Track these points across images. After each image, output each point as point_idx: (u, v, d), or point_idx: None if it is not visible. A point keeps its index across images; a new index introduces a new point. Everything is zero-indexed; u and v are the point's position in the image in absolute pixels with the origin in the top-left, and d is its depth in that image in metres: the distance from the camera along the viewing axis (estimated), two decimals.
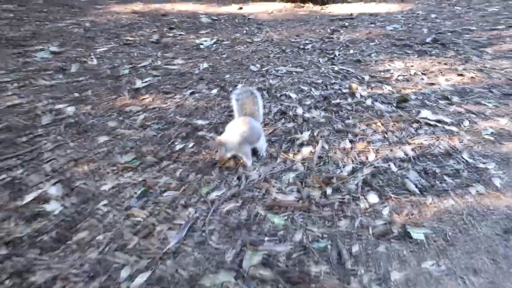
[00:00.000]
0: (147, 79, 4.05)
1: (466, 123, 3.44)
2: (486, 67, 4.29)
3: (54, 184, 2.84)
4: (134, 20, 5.45)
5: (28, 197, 2.72)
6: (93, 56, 4.45)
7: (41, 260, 2.32)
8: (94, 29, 5.17)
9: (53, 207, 2.66)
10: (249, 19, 5.49)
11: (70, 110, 3.61)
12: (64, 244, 2.42)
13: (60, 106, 3.67)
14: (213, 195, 2.75)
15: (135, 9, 5.78)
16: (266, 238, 2.44)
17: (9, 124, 3.42)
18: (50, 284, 2.19)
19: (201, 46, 4.73)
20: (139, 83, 3.98)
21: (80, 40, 4.88)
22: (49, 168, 2.98)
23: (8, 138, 3.27)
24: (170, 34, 5.05)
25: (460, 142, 3.23)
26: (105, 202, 2.71)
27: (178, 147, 3.21)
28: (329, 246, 2.40)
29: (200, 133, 3.34)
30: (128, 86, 3.94)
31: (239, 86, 3.24)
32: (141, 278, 2.22)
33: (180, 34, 5.06)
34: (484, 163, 3.01)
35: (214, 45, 4.77)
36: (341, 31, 5.15)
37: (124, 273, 2.25)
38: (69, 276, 2.24)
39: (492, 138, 3.27)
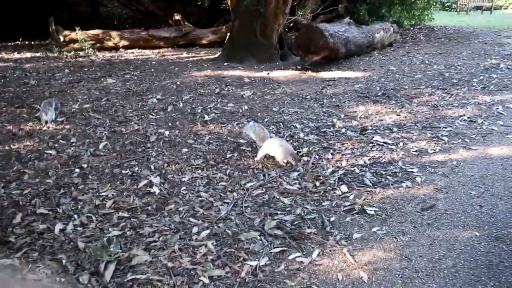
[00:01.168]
0: (211, 115, 4.06)
1: (401, 144, 3.37)
2: (413, 110, 4.21)
3: (156, 176, 2.84)
4: (205, 80, 5.47)
5: (141, 184, 2.73)
6: (180, 102, 4.45)
7: (147, 221, 2.32)
8: (182, 85, 5.20)
9: (155, 189, 2.66)
10: (272, 80, 5.47)
11: (166, 132, 3.62)
12: (160, 212, 2.42)
13: (161, 130, 3.68)
14: (248, 185, 2.75)
15: (206, 74, 5.78)
16: (279, 212, 2.42)
17: (132, 141, 3.45)
18: (152, 235, 2.19)
19: (244, 96, 4.72)
20: (207, 117, 3.99)
21: (174, 92, 4.90)
22: (153, 167, 2.99)
23: (131, 149, 3.29)
24: (226, 89, 5.04)
25: (397, 156, 3.17)
26: (184, 188, 2.72)
27: (228, 156, 3.19)
28: (316, 217, 2.37)
29: (241, 147, 3.32)
30: (200, 119, 3.95)
31: (250, 123, 3.24)
32: (204, 233, 2.21)
33: (232, 89, 5.05)
34: (411, 168, 2.96)
35: (251, 95, 4.75)
36: (328, 88, 5.10)
37: (194, 230, 2.25)
38: (163, 231, 2.23)
39: (416, 153, 3.20)
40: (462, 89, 5.10)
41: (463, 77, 5.70)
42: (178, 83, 5.34)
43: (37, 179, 2.78)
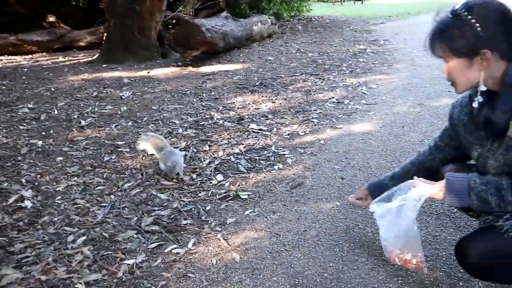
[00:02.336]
0: (88, 119, 3.93)
1: (275, 129, 3.56)
2: (288, 97, 4.45)
3: (28, 189, 2.70)
4: (82, 84, 5.24)
5: (11, 200, 2.58)
6: (55, 109, 4.24)
7: (18, 237, 2.21)
8: (57, 92, 4.94)
9: (27, 203, 2.54)
10: (152, 78, 5.42)
11: (39, 142, 3.44)
12: (32, 226, 2.32)
13: (33, 141, 3.49)
14: (126, 186, 2.72)
15: (84, 77, 5.54)
16: (156, 208, 2.45)
17: (0, 155, 3.22)
18: (23, 251, 2.10)
19: (123, 97, 4.62)
20: (83, 122, 3.85)
21: (48, 99, 4.65)
22: (24, 180, 2.83)
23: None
24: (104, 91, 4.88)
25: (270, 141, 3.34)
26: (59, 197, 2.61)
27: (105, 159, 3.13)
28: (193, 208, 2.44)
29: (119, 149, 3.27)
30: (76, 125, 3.80)
31: (143, 135, 3.08)
32: (80, 240, 2.17)
33: (110, 91, 4.91)
34: (283, 151, 3.14)
35: (131, 96, 4.67)
36: (207, 82, 5.18)
37: (70, 238, 2.19)
38: (35, 244, 2.14)
39: (288, 137, 3.41)
40: (333, 73, 5.51)
41: (334, 63, 6.15)
42: (52, 89, 5.07)
43: None
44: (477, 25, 1.26)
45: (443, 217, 2.19)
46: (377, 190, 1.85)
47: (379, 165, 2.82)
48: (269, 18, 8.59)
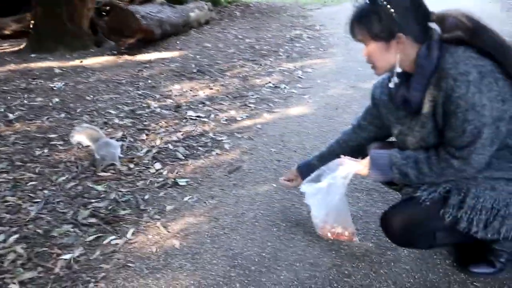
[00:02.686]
0: (17, 113, 3.74)
1: (213, 116, 3.58)
2: (225, 83, 4.47)
3: None
4: (9, 75, 4.96)
5: None
6: None
7: None
8: None
9: None
10: (86, 68, 5.22)
11: None
12: None
13: None
14: (60, 179, 2.64)
15: (10, 68, 5.24)
16: (93, 200, 2.41)
17: None
18: None
19: (54, 88, 4.43)
20: (11, 116, 3.67)
21: None
22: None
23: None
24: (34, 83, 4.66)
25: (208, 127, 3.36)
26: None
27: (37, 153, 3.01)
28: (131, 198, 2.42)
29: (52, 142, 3.15)
30: (4, 119, 3.61)
31: (77, 127, 2.97)
32: (12, 238, 2.09)
33: (40, 82, 4.68)
34: (221, 137, 3.17)
35: (63, 87, 4.49)
36: (144, 70, 5.08)
37: (1, 238, 2.11)
38: None
39: (226, 123, 3.45)
40: (270, 59, 5.57)
41: (271, 48, 6.21)
42: None
43: None
44: (392, 10, 1.34)
45: (373, 193, 2.32)
46: (307, 170, 1.93)
47: (314, 146, 2.93)
48: (206, 4, 8.49)
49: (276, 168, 2.67)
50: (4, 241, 2.07)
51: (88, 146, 2.92)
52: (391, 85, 1.48)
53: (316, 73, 4.78)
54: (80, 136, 2.88)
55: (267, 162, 2.75)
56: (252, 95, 4.08)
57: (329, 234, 1.78)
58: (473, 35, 1.32)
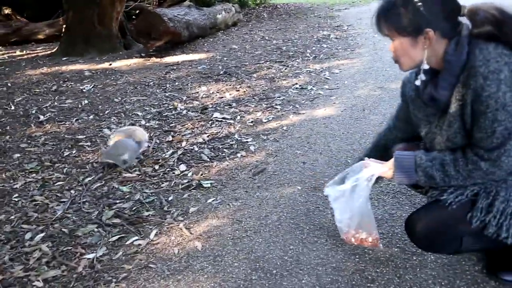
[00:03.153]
0: (47, 114, 3.84)
1: (238, 117, 3.57)
2: (252, 85, 4.46)
3: None
4: (41, 78, 5.10)
5: None
6: (12, 104, 4.12)
7: None
8: (13, 87, 4.80)
9: None
10: (115, 70, 5.31)
11: None
12: None
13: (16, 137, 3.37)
14: (86, 180, 2.68)
15: (42, 71, 5.38)
16: (118, 201, 2.43)
17: None
18: None
19: (84, 90, 4.52)
20: (42, 118, 3.76)
21: (4, 95, 4.50)
22: None
23: None
24: (64, 85, 4.77)
25: (234, 129, 3.35)
26: (16, 195, 2.56)
27: (65, 154, 3.07)
28: (155, 199, 2.43)
29: (80, 143, 3.21)
30: (35, 120, 3.71)
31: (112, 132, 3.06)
32: (38, 237, 2.13)
33: (70, 84, 4.80)
34: (246, 139, 3.15)
35: (92, 89, 4.58)
36: (171, 72, 5.13)
37: (27, 236, 2.15)
38: None
39: (251, 124, 3.43)
40: (297, 60, 5.53)
41: (298, 49, 6.17)
42: (9, 84, 4.91)
43: None
44: (420, 4, 1.29)
45: (399, 195, 2.25)
46: None
47: (340, 148, 2.87)
48: (233, 6, 8.53)
49: (301, 170, 2.63)
50: (31, 239, 2.11)
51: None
52: (417, 82, 1.42)
53: (343, 74, 4.71)
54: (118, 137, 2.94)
55: (292, 164, 2.71)
56: (279, 97, 4.05)
57: (352, 240, 1.73)
58: (505, 30, 1.25)
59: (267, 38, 7.16)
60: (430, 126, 1.48)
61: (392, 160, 1.47)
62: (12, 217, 2.32)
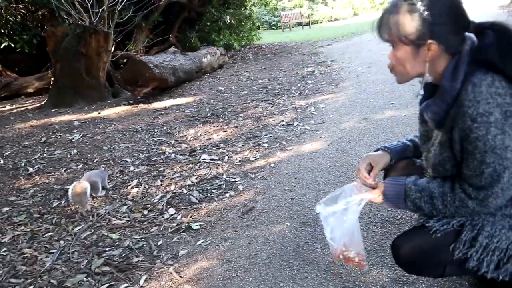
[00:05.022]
0: (36, 166, 3.85)
1: (226, 158, 3.60)
2: (239, 125, 4.53)
3: None
4: (30, 130, 5.15)
5: None
6: (1, 158, 4.13)
7: None
8: (3, 141, 4.83)
9: None
10: (103, 119, 5.37)
11: None
12: None
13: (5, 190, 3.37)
14: (76, 229, 2.67)
15: (32, 124, 5.44)
16: (107, 248, 2.42)
17: None
18: None
19: (73, 140, 4.56)
20: (31, 170, 3.77)
21: None
22: None
23: None
24: (53, 136, 4.81)
25: (222, 169, 3.37)
26: (5, 249, 2.53)
27: (54, 204, 3.07)
28: (145, 245, 2.42)
29: (68, 193, 3.20)
30: (24, 173, 3.72)
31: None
32: None
33: (59, 135, 4.84)
34: (234, 178, 3.18)
35: (81, 138, 4.61)
36: (159, 117, 5.21)
37: None
38: None
39: (239, 164, 3.45)
40: (283, 97, 5.64)
41: (283, 87, 6.31)
42: None
43: None
44: (427, 13, 1.22)
45: (388, 225, 2.27)
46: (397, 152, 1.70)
47: (328, 182, 2.90)
48: (218, 49, 8.75)
49: (290, 206, 2.64)
50: None
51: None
52: (418, 97, 1.41)
53: (328, 108, 4.80)
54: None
55: (280, 201, 2.73)
56: (266, 135, 4.11)
57: (341, 257, 1.73)
58: (510, 65, 1.19)
59: (252, 78, 7.31)
60: (427, 144, 1.45)
61: (382, 187, 1.50)
62: (0, 271, 2.29)
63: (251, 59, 10.26)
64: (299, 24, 22.78)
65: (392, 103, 4.52)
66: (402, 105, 4.41)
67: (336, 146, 3.57)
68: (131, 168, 3.61)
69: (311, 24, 22.75)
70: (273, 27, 24.14)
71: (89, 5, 6.47)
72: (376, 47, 8.54)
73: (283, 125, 4.40)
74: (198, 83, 7.25)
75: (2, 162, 4.08)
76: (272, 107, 5.21)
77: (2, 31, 8.69)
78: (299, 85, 6.35)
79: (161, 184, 3.21)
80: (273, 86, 6.42)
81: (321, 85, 6.16)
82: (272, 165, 3.36)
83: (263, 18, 22.94)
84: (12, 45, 8.67)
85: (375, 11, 27.15)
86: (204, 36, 12.32)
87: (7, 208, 3.07)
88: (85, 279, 2.14)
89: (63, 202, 3.10)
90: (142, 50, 10.60)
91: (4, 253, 2.47)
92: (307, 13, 23.78)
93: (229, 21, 12.53)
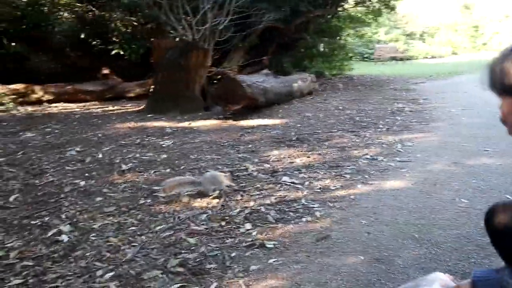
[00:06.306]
0: (129, 164, 4.14)
1: (307, 183, 3.61)
2: (323, 152, 4.53)
3: (66, 225, 2.87)
4: (127, 131, 5.57)
5: (50, 233, 2.77)
6: (100, 153, 4.51)
7: (51, 268, 2.35)
8: (103, 137, 5.27)
9: (63, 237, 2.70)
10: (194, 129, 5.67)
11: (82, 183, 3.66)
12: (66, 259, 2.46)
13: (77, 181, 3.72)
14: (157, 228, 2.83)
15: (129, 125, 5.88)
16: (183, 251, 2.53)
17: (45, 192, 3.45)
18: (54, 281, 2.24)
19: (164, 145, 4.84)
20: (124, 167, 4.07)
21: (94, 143, 4.96)
22: (64, 216, 3.02)
23: (43, 200, 3.29)
24: (147, 139, 5.15)
25: (301, 194, 3.39)
26: (94, 234, 2.76)
27: (141, 202, 3.27)
28: (218, 254, 2.50)
29: (155, 193, 3.41)
30: (118, 169, 4.01)
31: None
32: (108, 275, 2.27)
33: (152, 139, 5.18)
34: (313, 204, 3.18)
35: (171, 145, 4.90)
36: (246, 135, 5.37)
37: (99, 273, 2.30)
38: (66, 276, 2.27)
39: (319, 191, 3.45)
40: (369, 131, 5.56)
41: (371, 120, 6.22)
42: (99, 135, 5.41)
43: None
44: None
45: None
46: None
47: (407, 222, 2.81)
48: (310, 76, 8.86)
49: (365, 240, 2.60)
50: (101, 276, 2.26)
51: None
52: None
53: (416, 147, 4.65)
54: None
55: (356, 234, 2.69)
56: (348, 166, 4.07)
57: None
58: None
59: (341, 107, 7.30)
60: None
61: (468, 283, 1.36)
62: (88, 254, 2.50)
63: (341, 88, 10.24)
64: (393, 58, 22.32)
65: (486, 150, 4.28)
66: (497, 153, 4.16)
67: (420, 186, 3.45)
68: None
69: (406, 59, 22.21)
70: (365, 59, 23.88)
71: (193, 22, 6.91)
72: (473, 89, 8.15)
73: (367, 158, 4.33)
74: (286, 106, 7.38)
75: (100, 156, 4.45)
76: (357, 139, 5.16)
77: (115, 39, 9.53)
78: (387, 120, 6.23)
79: (241, 199, 3.30)
80: (361, 118, 6.35)
81: (410, 123, 5.99)
82: (352, 196, 3.32)
83: (356, 49, 22.79)
84: (121, 53, 9.48)
85: (475, 52, 25.90)
86: (297, 62, 12.53)
87: (100, 198, 3.34)
88: (160, 275, 2.27)
89: (148, 201, 3.30)
90: (236, 69, 11.04)
91: (93, 238, 2.69)
92: (402, 48, 23.28)
93: (322, 49, 12.66)
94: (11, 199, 3.31)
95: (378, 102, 7.90)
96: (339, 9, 13.52)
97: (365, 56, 24.11)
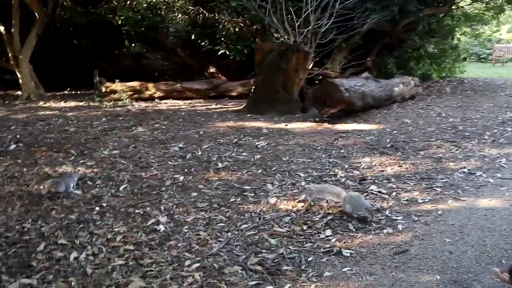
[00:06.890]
0: (225, 163, 4.43)
1: (394, 194, 3.60)
2: (416, 162, 4.43)
3: (164, 216, 3.22)
4: (226, 130, 5.90)
5: (149, 222, 3.11)
6: (199, 150, 4.86)
7: (148, 253, 2.66)
8: (204, 135, 5.65)
9: (160, 227, 3.04)
10: (289, 131, 5.83)
11: (181, 178, 4.02)
12: (161, 247, 2.76)
13: (176, 176, 4.10)
14: (243, 226, 3.05)
15: (229, 125, 6.22)
16: (264, 250, 2.71)
17: (149, 184, 3.86)
18: (150, 265, 2.53)
19: (259, 146, 5.07)
20: (220, 165, 4.36)
21: (195, 141, 5.34)
22: (163, 208, 3.37)
23: (147, 192, 3.70)
24: (244, 139, 5.43)
25: (387, 204, 3.39)
26: (186, 227, 3.08)
27: (231, 200, 3.53)
28: (296, 257, 2.65)
29: (245, 193, 3.64)
30: (214, 167, 4.31)
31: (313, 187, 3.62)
32: (194, 266, 2.53)
33: (249, 139, 5.44)
34: (396, 216, 3.18)
35: (266, 145, 5.11)
36: (340, 139, 5.41)
37: (187, 263, 2.58)
38: (160, 262, 2.58)
39: (405, 203, 3.42)
40: (472, 142, 5.26)
41: (476, 130, 5.85)
42: (201, 132, 5.82)
43: (62, 215, 3.22)
44: None
45: None
46: None
47: (496, 245, 2.69)
48: (413, 79, 8.52)
49: (445, 259, 2.55)
50: (189, 266, 2.54)
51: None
52: None
53: None
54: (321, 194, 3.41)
55: (437, 252, 2.65)
56: (441, 179, 3.94)
57: None
58: None
59: (443, 115, 6.96)
60: None
61: (507, 268, 1.39)
62: (179, 244, 2.80)
63: (448, 93, 9.69)
64: None
65: None
66: None
67: None
68: (303, 183, 3.89)
69: None
70: (482, 60, 22.07)
71: (296, 25, 7.05)
72: None
73: (463, 172, 4.14)
74: (385, 111, 7.22)
75: (200, 153, 4.83)
76: (457, 150, 4.92)
77: (222, 40, 10.07)
78: (495, 131, 5.81)
79: (326, 205, 3.39)
80: (464, 128, 6.01)
81: None
82: (440, 212, 3.24)
83: (471, 50, 21.17)
84: (227, 53, 9.98)
85: None
86: (402, 63, 12.07)
87: (195, 194, 3.66)
88: (240, 271, 2.48)
89: (238, 199, 3.54)
90: (337, 70, 10.98)
91: (186, 230, 3.00)
92: None
93: (431, 50, 12.04)
94: (121, 188, 3.77)
95: (488, 110, 7.36)
96: (453, 7, 12.71)
97: (481, 57, 22.32)
